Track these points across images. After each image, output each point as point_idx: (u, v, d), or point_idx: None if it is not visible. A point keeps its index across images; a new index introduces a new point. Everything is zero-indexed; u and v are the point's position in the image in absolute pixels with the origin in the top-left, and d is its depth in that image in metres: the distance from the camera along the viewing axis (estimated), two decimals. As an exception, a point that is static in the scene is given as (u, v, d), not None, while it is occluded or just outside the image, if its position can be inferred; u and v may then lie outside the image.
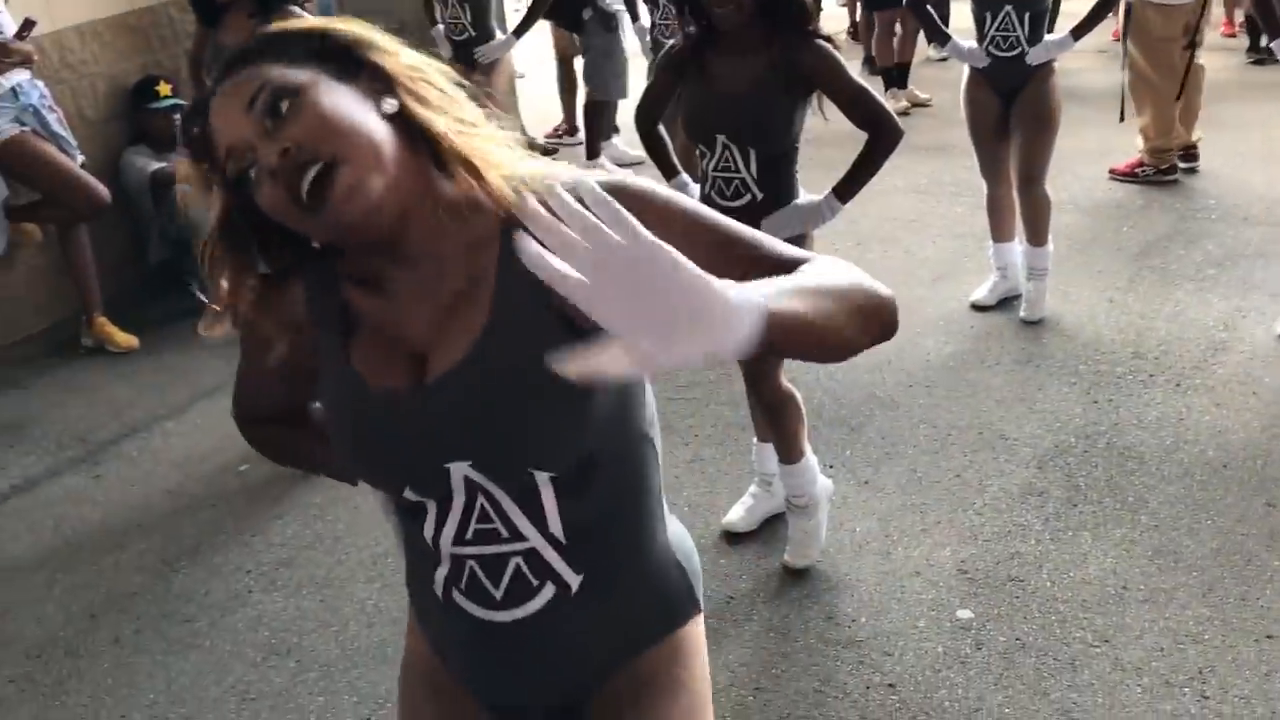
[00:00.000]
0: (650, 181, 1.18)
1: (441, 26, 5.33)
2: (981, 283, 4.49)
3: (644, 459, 1.27)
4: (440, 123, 1.15)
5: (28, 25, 4.27)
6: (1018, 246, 4.38)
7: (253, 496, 3.55)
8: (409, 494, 1.23)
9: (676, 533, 1.37)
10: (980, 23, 4.11)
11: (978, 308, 4.40)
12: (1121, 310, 4.33)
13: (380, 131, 1.12)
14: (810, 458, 2.95)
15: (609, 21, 6.08)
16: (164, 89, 5.06)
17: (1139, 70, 5.50)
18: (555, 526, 1.21)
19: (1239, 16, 8.71)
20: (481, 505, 1.20)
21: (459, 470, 1.18)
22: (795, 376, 3.91)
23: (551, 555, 1.21)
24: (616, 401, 1.20)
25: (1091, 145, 6.14)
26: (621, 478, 1.25)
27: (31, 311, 4.79)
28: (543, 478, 1.18)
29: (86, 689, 2.78)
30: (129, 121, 5.11)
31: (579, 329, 1.10)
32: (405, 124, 1.14)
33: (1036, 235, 4.26)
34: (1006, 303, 4.42)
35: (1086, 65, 8.03)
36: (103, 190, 4.44)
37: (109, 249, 4.96)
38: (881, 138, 2.77)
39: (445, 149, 1.14)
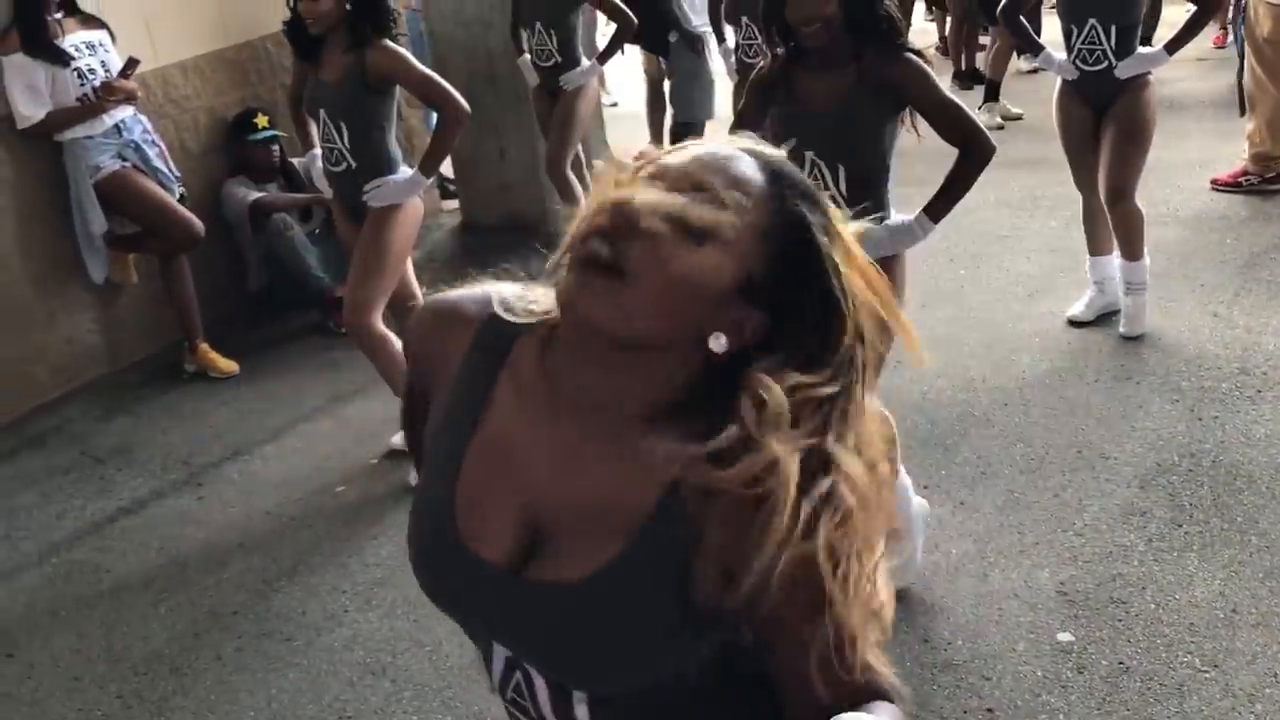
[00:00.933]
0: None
1: (528, 56, 5.38)
2: (1078, 298, 4.40)
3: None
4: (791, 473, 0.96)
5: (132, 64, 4.43)
6: (1115, 260, 4.27)
7: (349, 518, 3.61)
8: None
9: None
10: (1067, 35, 4.04)
11: (1075, 323, 4.31)
12: (1226, 324, 4.20)
13: (666, 332, 0.99)
14: (905, 480, 2.89)
15: (695, 44, 6.10)
16: (262, 121, 5.20)
17: (1251, 71, 5.37)
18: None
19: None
20: (518, 680, 1.13)
21: (502, 652, 1.12)
22: (888, 395, 3.87)
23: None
24: (683, 667, 1.08)
25: (1192, 156, 5.98)
26: (666, 702, 1.11)
27: (137, 339, 4.95)
28: (579, 695, 1.10)
29: (190, 705, 2.85)
30: (229, 153, 5.27)
31: (696, 610, 1.01)
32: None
33: (1130, 250, 4.15)
34: (1104, 318, 4.32)
35: (1185, 74, 7.83)
36: (197, 224, 4.57)
37: (210, 277, 5.11)
38: (973, 154, 2.73)
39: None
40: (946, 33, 8.84)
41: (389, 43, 3.62)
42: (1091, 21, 3.94)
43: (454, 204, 6.61)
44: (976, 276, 4.88)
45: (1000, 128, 7.06)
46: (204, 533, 3.63)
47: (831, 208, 1.04)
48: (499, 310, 1.11)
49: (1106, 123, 4.05)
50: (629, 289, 0.97)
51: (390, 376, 3.70)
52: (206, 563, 3.45)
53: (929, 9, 10.20)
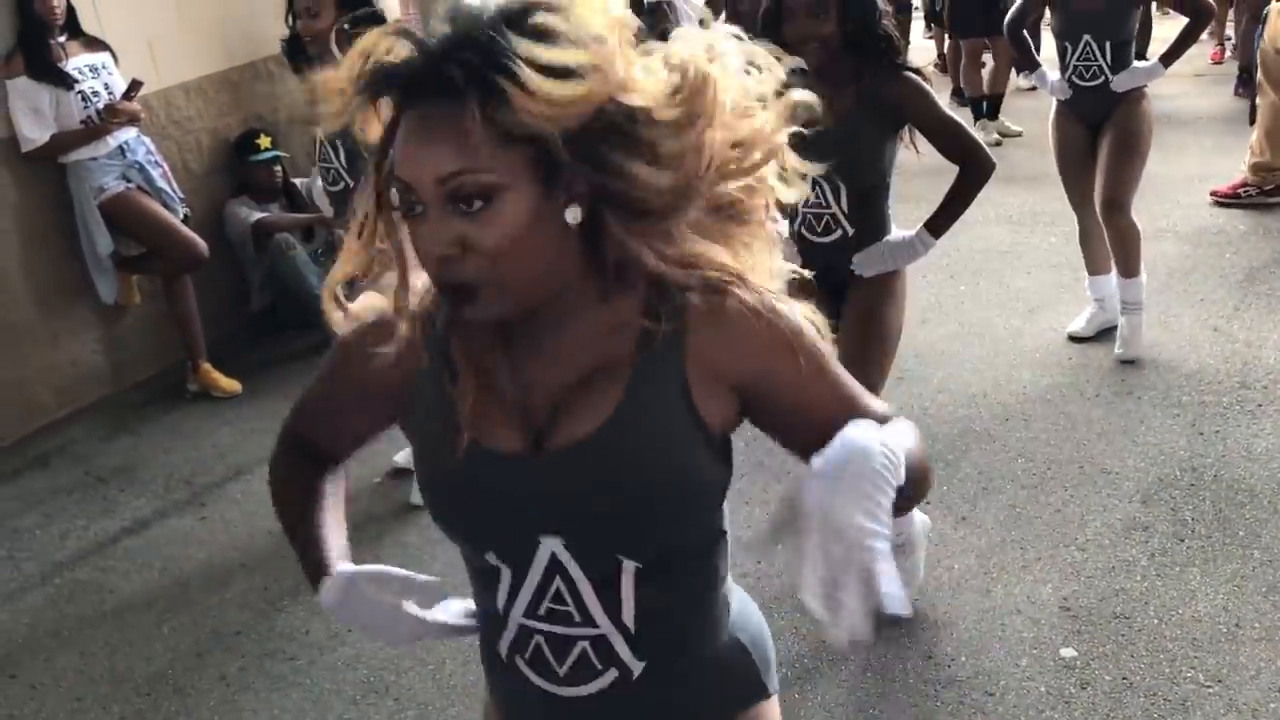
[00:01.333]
0: (799, 316, 1.16)
1: None
2: (1078, 314, 4.41)
3: (719, 551, 1.26)
4: (648, 258, 1.08)
5: (135, 86, 4.46)
6: (1114, 278, 4.27)
7: (352, 537, 3.58)
8: (490, 557, 1.21)
9: (743, 614, 1.33)
10: (1062, 54, 4.06)
11: (1075, 339, 4.31)
12: (1226, 339, 4.21)
13: (544, 255, 1.06)
14: None
15: (657, 4, 6.10)
16: (264, 142, 5.23)
17: (1261, 80, 5.40)
18: (628, 616, 1.19)
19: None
20: (558, 587, 1.18)
21: (548, 545, 1.16)
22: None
23: (619, 643, 1.20)
24: (715, 501, 1.21)
25: (1191, 170, 6.00)
26: (698, 571, 1.24)
27: (140, 359, 4.96)
28: (629, 566, 1.17)
29: (194, 726, 2.85)
30: (231, 173, 5.29)
31: (709, 430, 1.14)
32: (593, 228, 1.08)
33: (1126, 266, 4.12)
34: (1105, 334, 4.32)
35: (1184, 90, 7.87)
36: (201, 245, 4.60)
37: (213, 296, 5.12)
38: (973, 170, 2.74)
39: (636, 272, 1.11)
40: (945, 50, 8.88)
41: None
42: (1086, 38, 3.96)
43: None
44: (977, 292, 4.89)
45: (998, 144, 7.09)
46: (207, 552, 3.63)
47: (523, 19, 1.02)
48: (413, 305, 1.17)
49: (1102, 136, 4.06)
50: (491, 289, 1.05)
51: None
52: (209, 582, 3.45)
53: (928, 26, 10.25)
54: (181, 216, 4.63)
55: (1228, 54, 8.34)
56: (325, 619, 3.19)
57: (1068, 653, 2.72)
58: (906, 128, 2.76)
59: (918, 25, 10.02)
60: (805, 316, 1.16)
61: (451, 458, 1.16)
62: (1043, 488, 3.40)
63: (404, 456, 3.93)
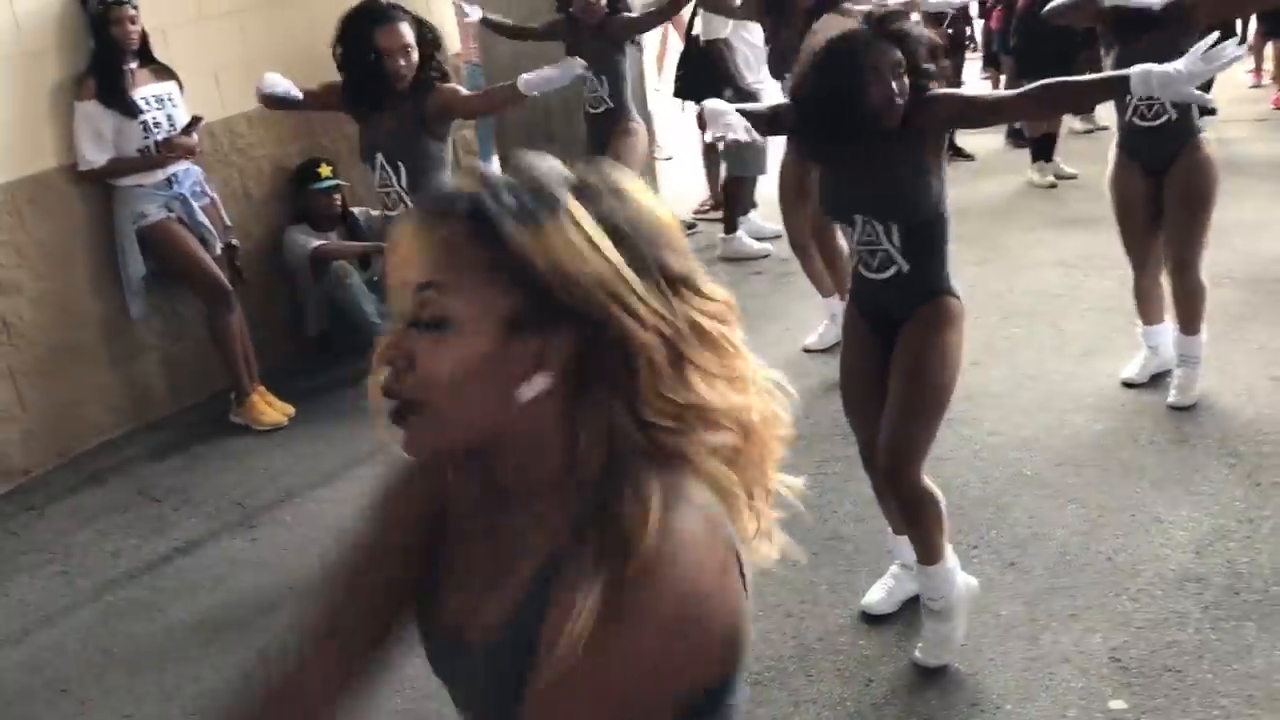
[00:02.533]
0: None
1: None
2: (1132, 358, 4.35)
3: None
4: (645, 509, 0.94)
5: (195, 122, 4.57)
6: (1170, 325, 4.21)
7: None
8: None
9: None
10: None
11: (1129, 385, 4.26)
12: (1285, 389, 4.14)
13: (486, 406, 0.99)
14: (949, 560, 2.84)
15: (748, 100, 6.14)
16: (325, 170, 5.32)
17: None
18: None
19: None
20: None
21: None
22: (941, 453, 3.86)
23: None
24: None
25: (1249, 217, 5.93)
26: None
27: (196, 381, 5.05)
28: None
29: (238, 747, 2.87)
30: (291, 201, 5.38)
31: None
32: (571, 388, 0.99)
33: (1189, 324, 4.06)
34: (1160, 379, 4.27)
35: (1244, 135, 7.79)
36: (225, 285, 4.67)
37: (270, 320, 5.21)
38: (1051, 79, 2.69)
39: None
40: (1003, 90, 8.86)
41: (446, 84, 3.86)
42: None
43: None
44: (1030, 335, 4.85)
45: (1053, 186, 7.04)
46: (256, 574, 3.67)
47: (585, 183, 1.00)
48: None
49: (1168, 192, 3.97)
50: (428, 413, 0.99)
51: None
52: (258, 604, 3.49)
53: (984, 68, 10.22)
54: (219, 251, 4.71)
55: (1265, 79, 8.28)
56: (370, 645, 3.21)
57: (1117, 705, 2.67)
58: (944, 148, 2.75)
59: (974, 65, 9.99)
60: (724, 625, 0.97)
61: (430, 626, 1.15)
62: (1094, 535, 3.35)
63: None
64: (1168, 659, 2.80)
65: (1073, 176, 7.21)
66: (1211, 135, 4.03)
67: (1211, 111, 8.11)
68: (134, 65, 4.47)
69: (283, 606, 3.45)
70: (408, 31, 3.75)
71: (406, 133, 3.80)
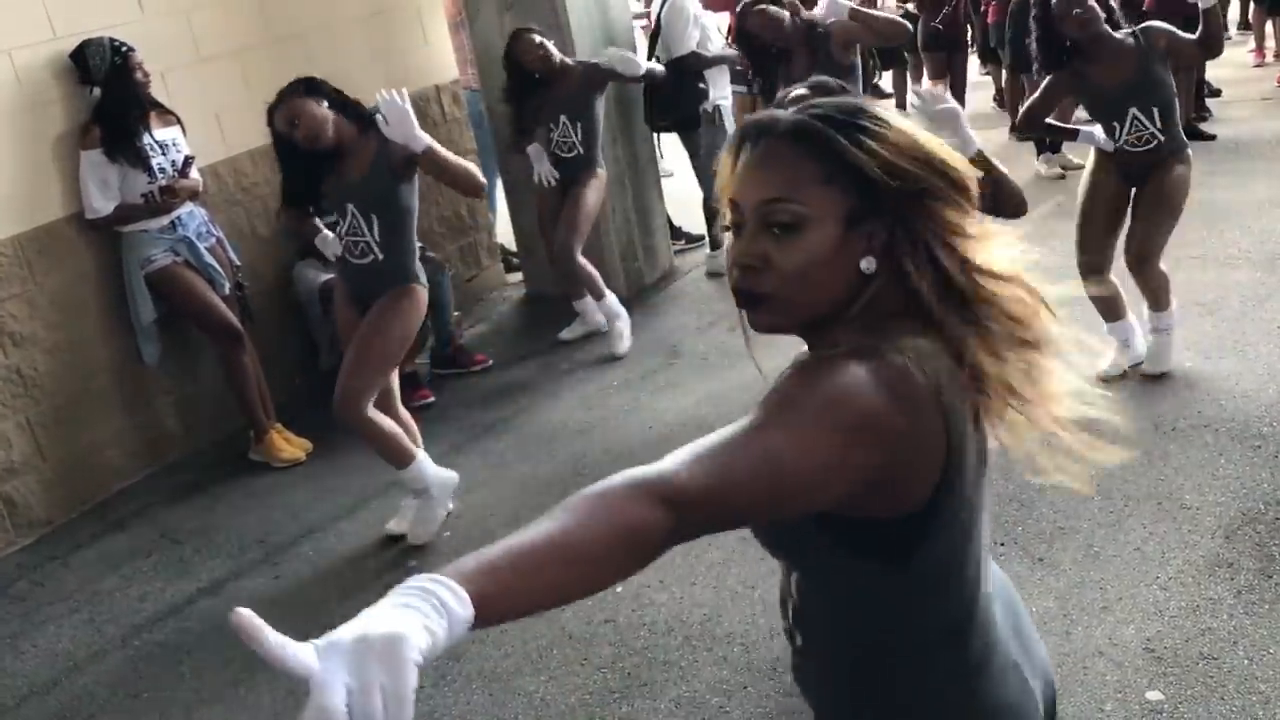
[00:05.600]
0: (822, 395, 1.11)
1: (537, 145, 5.41)
2: (1146, 346, 4.32)
3: (866, 590, 1.27)
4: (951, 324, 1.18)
5: (188, 162, 4.58)
6: (1132, 319, 4.27)
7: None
8: None
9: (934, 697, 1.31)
10: (1110, 131, 4.04)
11: (1105, 380, 4.22)
12: (1307, 367, 4.09)
13: (831, 287, 1.19)
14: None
15: (713, 118, 6.11)
16: (329, 204, 5.32)
17: None
18: (790, 584, 1.36)
19: None
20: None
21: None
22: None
23: (790, 604, 1.37)
24: (827, 562, 1.27)
25: (1260, 196, 5.88)
26: (836, 603, 1.32)
27: (212, 421, 5.06)
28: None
29: (270, 786, 2.86)
30: (298, 237, 5.39)
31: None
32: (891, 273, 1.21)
33: (1158, 302, 4.18)
34: (1181, 365, 4.23)
35: (1250, 115, 7.75)
36: (235, 325, 4.69)
37: (283, 356, 5.22)
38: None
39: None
40: (1003, 85, 8.82)
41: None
42: (1133, 111, 3.95)
43: (518, 276, 6.71)
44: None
45: (1061, 177, 7.01)
46: (280, 611, 3.66)
47: (857, 107, 1.22)
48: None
49: (1143, 197, 4.08)
50: (778, 301, 1.20)
51: (389, 451, 3.78)
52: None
53: (982, 63, 10.19)
54: (228, 291, 4.72)
55: (1268, 57, 8.22)
56: (398, 676, 3.19)
57: (1154, 696, 2.63)
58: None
59: (973, 61, 9.96)
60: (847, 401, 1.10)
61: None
62: (1121, 526, 3.31)
63: (395, 524, 3.96)
64: (1203, 646, 2.76)
65: (1080, 167, 7.16)
66: (1190, 154, 4.08)
67: (1216, 93, 8.08)
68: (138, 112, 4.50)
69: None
70: (301, 107, 3.63)
71: (376, 181, 3.64)
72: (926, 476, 1.17)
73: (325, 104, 3.67)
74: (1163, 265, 4.14)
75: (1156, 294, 4.16)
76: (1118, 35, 3.99)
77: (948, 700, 1.30)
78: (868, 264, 1.19)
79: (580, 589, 0.95)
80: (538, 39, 5.29)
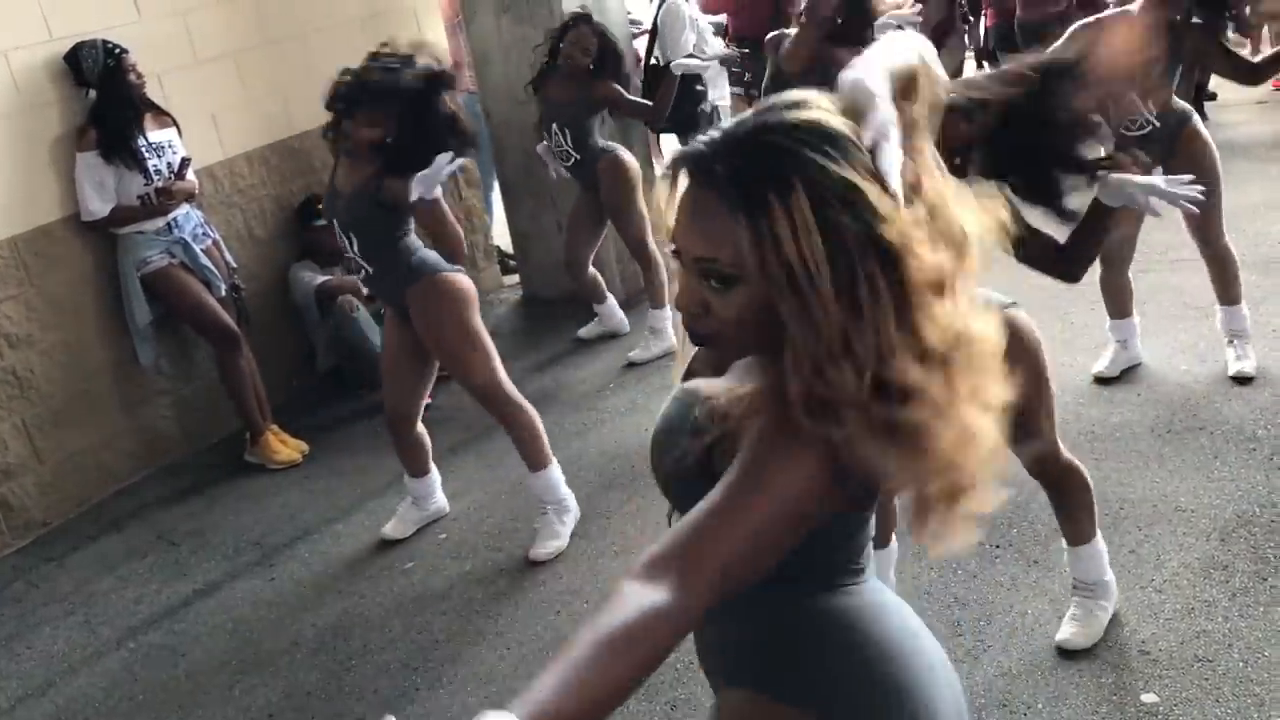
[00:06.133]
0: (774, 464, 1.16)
1: (546, 144, 5.41)
2: (1146, 347, 4.33)
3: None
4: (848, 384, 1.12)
5: (184, 164, 4.58)
6: (1136, 320, 4.28)
7: (419, 593, 3.63)
8: None
9: (835, 623, 1.34)
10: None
11: (1101, 380, 4.24)
12: (1302, 369, 4.10)
13: (764, 334, 1.19)
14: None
15: (711, 119, 6.11)
16: (325, 206, 5.32)
17: None
18: None
19: None
20: None
21: None
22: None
23: None
24: None
25: (1255, 199, 5.89)
26: None
27: (208, 423, 5.06)
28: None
29: (266, 788, 2.86)
30: (295, 238, 5.40)
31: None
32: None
33: (1227, 294, 4.15)
34: (1177, 368, 4.24)
35: (1247, 118, 7.75)
36: (232, 327, 4.68)
37: (280, 358, 5.22)
38: None
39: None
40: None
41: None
42: (1130, 95, 3.93)
43: (515, 278, 6.71)
44: (1041, 329, 4.80)
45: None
46: (276, 613, 3.66)
47: (820, 128, 1.14)
48: None
49: (1170, 172, 4.00)
50: (726, 343, 1.24)
51: (533, 442, 3.69)
52: (279, 643, 3.48)
53: (978, 66, 10.21)
54: (224, 292, 4.72)
55: None
56: (393, 677, 3.20)
57: (1149, 698, 2.64)
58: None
59: (969, 65, 9.98)
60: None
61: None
62: (1116, 528, 3.32)
63: (392, 528, 3.95)
64: (1198, 649, 2.77)
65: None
66: (1198, 122, 4.03)
67: (1212, 96, 8.09)
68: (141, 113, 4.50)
69: (303, 644, 3.45)
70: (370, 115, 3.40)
71: (360, 203, 3.49)
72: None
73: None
74: (1230, 244, 4.10)
75: (1226, 279, 4.13)
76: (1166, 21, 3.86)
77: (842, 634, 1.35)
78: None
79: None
80: (594, 35, 5.14)
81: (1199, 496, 3.40)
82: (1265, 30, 8.85)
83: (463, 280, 3.60)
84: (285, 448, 4.79)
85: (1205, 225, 4.03)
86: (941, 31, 8.26)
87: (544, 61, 5.26)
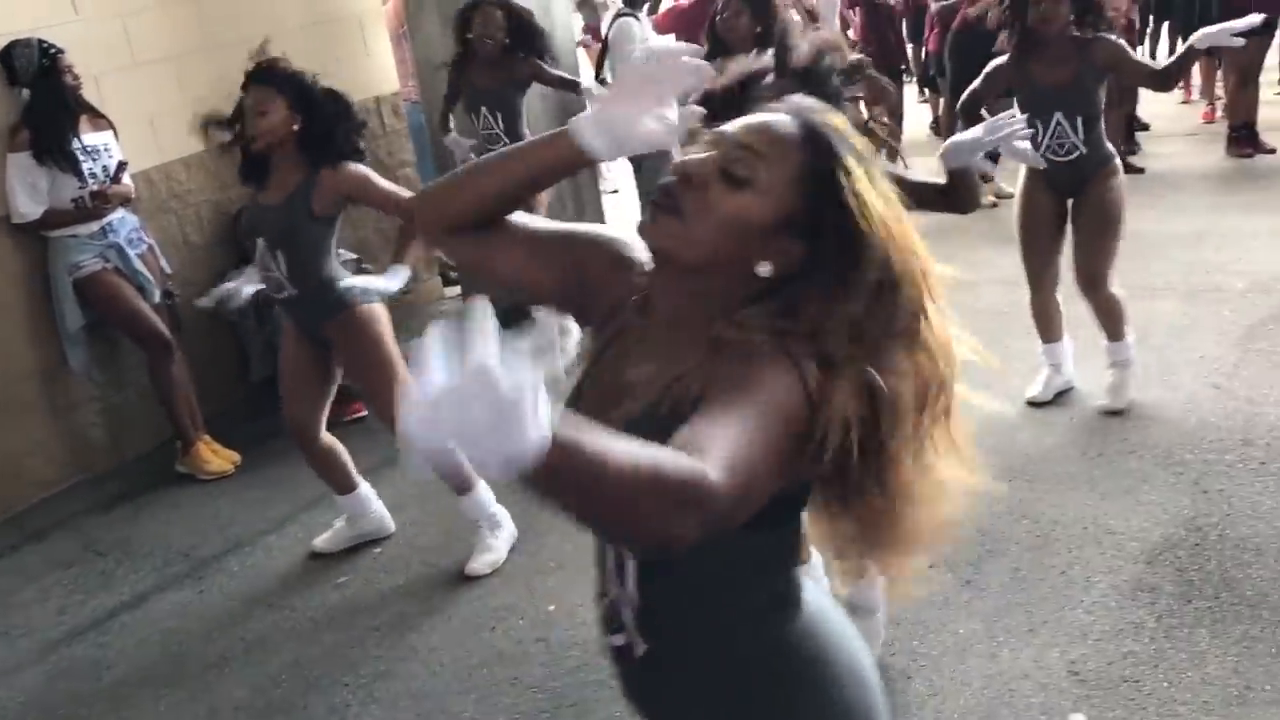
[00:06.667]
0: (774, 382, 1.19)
1: (455, 134, 5.41)
2: (1074, 373, 4.41)
3: (742, 562, 1.29)
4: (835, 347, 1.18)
5: (121, 167, 4.50)
6: (1068, 343, 4.34)
7: (350, 609, 3.58)
8: None
9: (797, 629, 1.34)
10: (1034, 134, 4.07)
11: (1034, 404, 4.31)
12: (1227, 396, 4.19)
13: (730, 251, 1.23)
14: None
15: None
16: (265, 213, 5.25)
17: None
18: (632, 588, 1.32)
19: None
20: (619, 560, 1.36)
21: None
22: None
23: (627, 612, 1.34)
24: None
25: (1185, 229, 6.04)
26: (706, 577, 1.29)
27: (139, 431, 4.96)
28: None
29: (190, 805, 2.80)
30: (232, 245, 5.32)
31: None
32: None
33: (1114, 331, 4.20)
34: (1065, 396, 4.33)
35: (1178, 150, 7.95)
36: (165, 334, 4.62)
37: (215, 367, 5.14)
38: None
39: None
40: (940, 113, 8.97)
41: (350, 165, 3.41)
42: (1057, 116, 4.00)
43: (456, 290, 6.67)
44: (976, 354, 4.88)
45: (994, 205, 7.13)
46: (205, 627, 3.59)
47: (862, 153, 1.25)
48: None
49: (1078, 211, 4.12)
50: (685, 225, 1.23)
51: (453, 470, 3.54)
52: (207, 657, 3.42)
53: (920, 91, 10.37)
54: (158, 299, 4.65)
55: (1218, 114, 8.44)
56: (324, 693, 3.15)
57: (1078, 718, 2.67)
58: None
59: (910, 90, 10.13)
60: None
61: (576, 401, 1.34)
62: (1047, 549, 3.37)
63: (323, 541, 3.90)
64: (1125, 670, 2.81)
65: (1011, 195, 7.30)
66: (1119, 164, 4.13)
67: (1145, 127, 8.29)
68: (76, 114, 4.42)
69: (232, 658, 3.38)
70: (260, 92, 3.38)
71: (290, 215, 3.39)
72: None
73: (286, 98, 3.37)
74: (1117, 290, 4.15)
75: (1113, 320, 4.17)
76: (1072, 37, 3.97)
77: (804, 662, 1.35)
78: (764, 268, 1.24)
79: (619, 519, 0.99)
80: (500, 15, 5.11)
81: (1128, 519, 3.47)
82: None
83: (380, 311, 3.57)
84: (217, 458, 4.72)
85: (1094, 270, 4.08)
86: (890, 58, 8.38)
87: (457, 50, 5.26)
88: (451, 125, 5.51)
